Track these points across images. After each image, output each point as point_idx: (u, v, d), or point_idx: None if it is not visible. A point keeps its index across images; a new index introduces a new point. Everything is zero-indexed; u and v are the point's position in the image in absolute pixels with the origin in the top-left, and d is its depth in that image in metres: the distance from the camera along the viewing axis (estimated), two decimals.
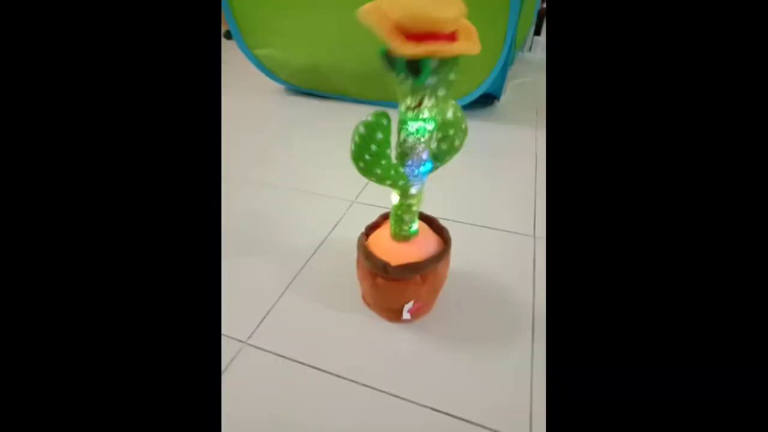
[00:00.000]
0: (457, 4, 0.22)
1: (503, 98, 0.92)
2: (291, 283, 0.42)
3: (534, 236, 0.49)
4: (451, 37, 0.23)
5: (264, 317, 0.38)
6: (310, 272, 0.43)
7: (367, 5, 0.22)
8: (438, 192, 0.55)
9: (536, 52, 1.24)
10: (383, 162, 0.27)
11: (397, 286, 0.32)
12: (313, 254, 0.46)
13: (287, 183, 0.60)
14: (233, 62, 1.07)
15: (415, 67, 0.23)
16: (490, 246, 0.47)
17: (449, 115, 0.29)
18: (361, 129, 0.26)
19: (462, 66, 0.85)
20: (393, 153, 0.29)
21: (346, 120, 0.83)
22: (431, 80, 0.24)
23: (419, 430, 0.29)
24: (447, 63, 0.24)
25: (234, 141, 0.73)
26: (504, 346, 0.35)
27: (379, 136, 0.26)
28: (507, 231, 0.50)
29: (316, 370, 0.33)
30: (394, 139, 0.29)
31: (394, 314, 0.35)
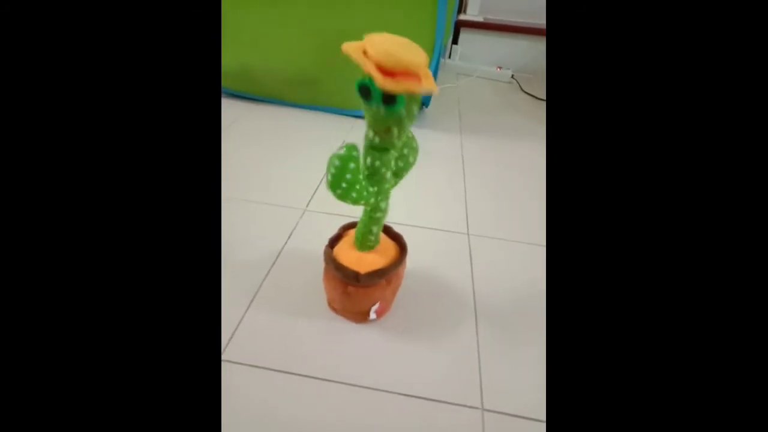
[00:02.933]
0: (419, 50, 0.27)
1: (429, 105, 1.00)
2: (255, 296, 0.43)
3: (468, 234, 0.56)
4: (418, 77, 0.27)
5: (233, 332, 0.39)
6: (272, 284, 0.45)
7: (351, 44, 0.26)
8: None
9: (455, 59, 1.35)
10: (357, 187, 0.31)
11: (366, 291, 0.36)
12: (272, 266, 0.47)
13: (232, 193, 0.60)
14: None
15: (391, 100, 0.27)
16: (431, 245, 0.54)
17: (404, 140, 0.33)
18: (336, 161, 0.30)
19: None
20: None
21: (283, 123, 0.84)
22: (402, 112, 0.28)
23: (394, 415, 0.34)
24: (414, 98, 0.28)
25: None
26: (455, 331, 0.41)
27: (352, 165, 0.30)
28: (444, 230, 0.57)
29: (292, 375, 0.36)
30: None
31: (361, 316, 0.39)
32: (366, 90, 0.27)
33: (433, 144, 0.83)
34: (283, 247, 0.50)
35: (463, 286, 0.47)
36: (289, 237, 0.52)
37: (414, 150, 0.35)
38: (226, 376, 0.35)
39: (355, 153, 0.30)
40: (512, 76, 1.27)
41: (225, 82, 0.91)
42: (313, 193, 0.61)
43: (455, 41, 1.37)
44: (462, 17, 1.34)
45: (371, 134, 0.30)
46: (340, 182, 0.30)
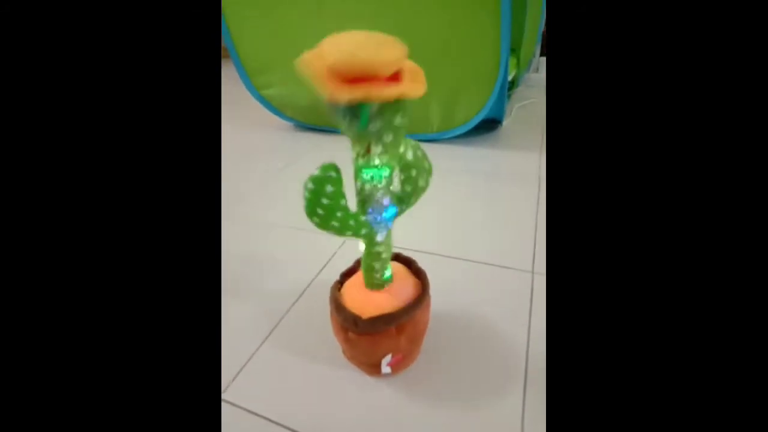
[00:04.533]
0: (398, 46, 0.21)
1: (507, 121, 0.90)
2: (272, 331, 0.40)
3: (532, 272, 0.46)
4: (395, 79, 0.22)
5: (240, 369, 0.36)
6: (293, 319, 0.42)
7: (310, 52, 0.22)
8: (431, 224, 0.53)
9: (542, 72, 1.22)
10: (338, 214, 0.26)
11: (371, 339, 0.30)
12: (298, 299, 0.44)
13: (284, 220, 0.60)
14: (239, 100, 1.11)
15: (352, 113, 0.22)
16: (482, 283, 0.44)
17: (410, 156, 0.27)
18: (310, 184, 0.25)
19: (459, 92, 0.84)
20: (353, 201, 0.28)
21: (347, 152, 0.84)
22: (374, 125, 0.22)
23: None
24: (389, 107, 0.22)
25: (233, 176, 0.74)
26: (494, 397, 0.32)
27: (329, 189, 0.25)
28: (502, 266, 0.47)
29: (291, 431, 0.31)
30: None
31: (373, 368, 0.33)
32: (330, 104, 0.23)
33: (504, 166, 0.73)
34: (314, 278, 0.47)
35: (515, 338, 0.37)
36: (323, 267, 0.49)
37: (425, 171, 0.28)
38: (224, 418, 0.32)
39: (332, 173, 0.25)
40: None
41: (302, 117, 0.97)
42: None
43: (543, 53, 1.24)
44: None
45: (354, 154, 0.26)
46: (316, 208, 0.25)
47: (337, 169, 0.25)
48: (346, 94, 0.20)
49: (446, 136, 0.83)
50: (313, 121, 0.96)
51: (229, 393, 0.34)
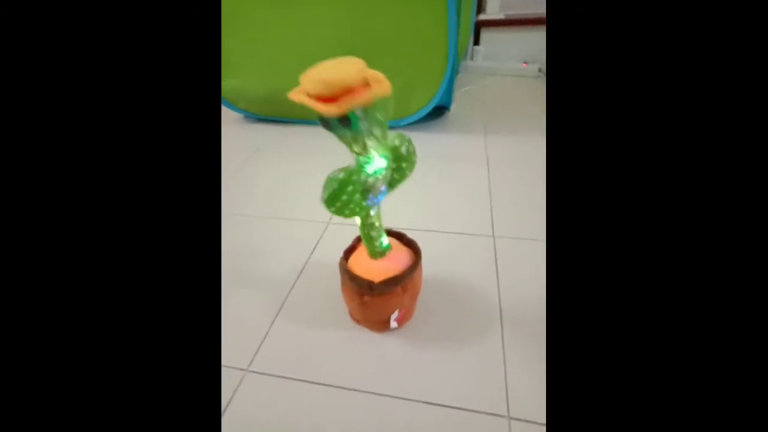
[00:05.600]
0: (355, 62, 0.27)
1: (452, 107, 0.99)
2: (280, 309, 0.45)
3: (493, 236, 0.55)
4: (365, 86, 0.27)
5: (260, 344, 0.41)
6: (296, 297, 0.46)
7: (294, 90, 0.27)
8: (405, 203, 0.60)
9: (477, 60, 1.33)
10: (351, 205, 0.33)
11: (383, 299, 0.37)
12: (296, 279, 0.49)
13: (261, 212, 0.63)
14: None
15: (345, 121, 0.27)
16: (456, 249, 0.53)
17: (403, 150, 0.33)
18: (335, 185, 0.31)
19: (412, 84, 0.90)
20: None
21: (311, 144, 0.87)
22: (363, 125, 0.28)
23: (417, 423, 0.33)
24: (369, 108, 0.28)
25: None
26: (480, 338, 0.40)
27: (350, 188, 0.31)
28: (468, 234, 0.56)
29: (318, 385, 0.36)
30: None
31: (382, 325, 0.40)
32: (324, 121, 0.28)
33: (456, 148, 0.82)
34: (307, 260, 0.52)
35: (488, 291, 0.46)
36: (313, 250, 0.54)
37: (412, 164, 0.35)
38: (253, 386, 0.37)
39: (354, 177, 0.31)
40: (539, 70, 1.23)
41: (255, 109, 0.97)
42: None
43: (476, 42, 1.35)
44: (482, 17, 1.32)
45: (354, 153, 0.31)
46: (335, 203, 0.32)
47: (358, 173, 0.31)
48: (337, 110, 0.26)
49: (402, 124, 0.89)
50: (267, 112, 0.97)
51: (255, 365, 0.38)
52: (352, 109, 0.27)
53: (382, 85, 0.27)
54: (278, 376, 0.37)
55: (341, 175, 0.31)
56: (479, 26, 1.33)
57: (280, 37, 0.83)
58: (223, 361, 0.39)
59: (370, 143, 0.30)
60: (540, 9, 1.30)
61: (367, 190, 0.33)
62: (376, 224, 0.36)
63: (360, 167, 0.32)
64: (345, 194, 0.31)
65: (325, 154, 0.86)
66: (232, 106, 0.96)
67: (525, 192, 0.65)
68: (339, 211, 0.33)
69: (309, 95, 0.26)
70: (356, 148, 0.30)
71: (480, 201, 0.63)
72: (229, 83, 0.91)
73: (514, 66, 1.26)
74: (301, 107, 0.94)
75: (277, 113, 0.96)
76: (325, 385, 0.36)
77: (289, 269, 0.50)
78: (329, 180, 0.31)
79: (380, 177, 0.32)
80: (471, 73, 1.30)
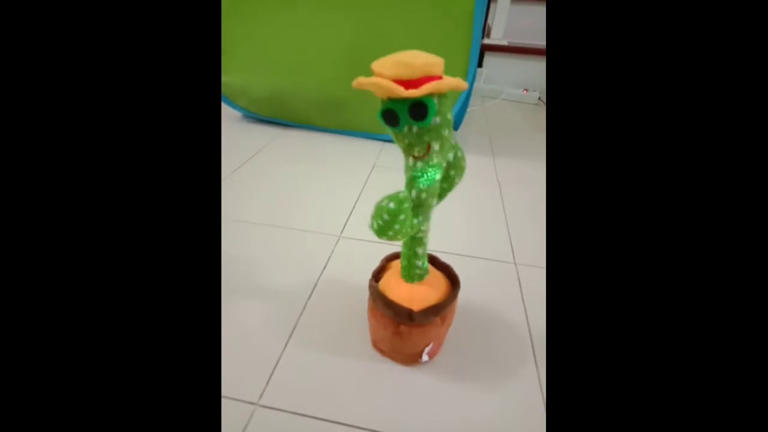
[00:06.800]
0: (433, 55, 0.25)
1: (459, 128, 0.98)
2: (292, 332, 0.40)
3: (515, 263, 0.52)
4: (439, 78, 0.25)
5: (271, 373, 0.36)
6: (309, 318, 0.42)
7: (362, 78, 0.24)
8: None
9: (479, 81, 1.35)
10: (404, 230, 0.29)
11: (422, 330, 0.33)
12: (309, 298, 0.44)
13: (263, 219, 0.58)
14: None
15: (419, 111, 0.24)
16: (476, 275, 0.50)
17: (450, 157, 0.30)
18: (386, 217, 0.27)
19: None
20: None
21: (313, 148, 0.83)
22: (435, 120, 0.25)
23: None
24: (445, 102, 0.26)
25: None
26: (514, 368, 0.37)
27: (402, 217, 0.28)
28: (488, 259, 0.53)
29: (339, 425, 0.32)
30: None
31: (412, 358, 0.36)
32: (391, 114, 0.25)
33: (467, 167, 0.80)
34: (319, 277, 0.47)
35: (515, 319, 0.43)
36: (325, 266, 0.49)
37: (461, 170, 0.32)
38: (265, 423, 0.32)
39: (406, 205, 0.28)
40: (539, 99, 1.25)
41: (255, 108, 0.92)
42: (347, 219, 0.59)
43: (480, 64, 1.37)
44: (486, 41, 1.34)
45: (411, 162, 0.28)
46: (387, 232, 0.28)
47: (410, 200, 0.28)
48: (419, 92, 0.24)
49: None
50: (268, 113, 0.92)
51: (265, 398, 0.33)
52: (433, 94, 0.24)
53: (462, 83, 0.25)
54: (293, 413, 0.33)
55: (392, 206, 0.27)
56: (483, 49, 1.35)
57: (288, 36, 0.79)
58: (230, 393, 0.33)
59: (435, 146, 0.27)
60: (541, 41, 1.33)
61: (419, 206, 0.29)
62: (425, 240, 0.33)
63: (412, 180, 0.29)
64: (397, 223, 0.28)
65: (327, 161, 0.82)
66: (232, 103, 0.91)
67: (542, 219, 0.63)
68: (393, 238, 0.29)
69: (388, 79, 0.24)
70: (418, 151, 0.27)
71: (496, 224, 0.61)
72: (230, 78, 0.86)
73: (515, 92, 1.28)
74: (305, 110, 0.90)
75: (278, 115, 0.91)
76: (347, 425, 0.32)
77: (300, 286, 0.46)
78: (379, 210, 0.28)
79: (433, 190, 0.29)
80: (473, 95, 1.30)
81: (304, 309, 0.43)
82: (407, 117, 0.25)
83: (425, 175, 0.28)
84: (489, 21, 1.35)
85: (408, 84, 0.24)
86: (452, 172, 0.31)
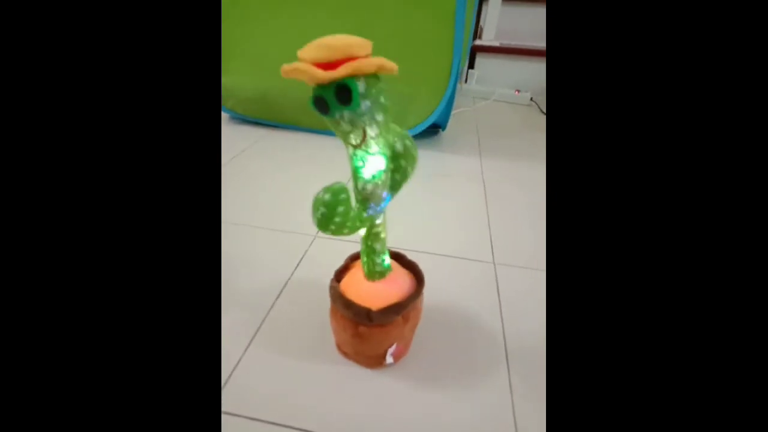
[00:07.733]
0: (354, 36, 0.24)
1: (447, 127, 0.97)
2: (256, 334, 0.38)
3: (494, 263, 0.51)
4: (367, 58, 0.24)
5: (230, 374, 0.34)
6: (275, 321, 0.40)
7: (286, 65, 0.23)
8: (398, 222, 0.55)
9: (471, 83, 1.34)
10: (348, 224, 0.28)
11: (383, 330, 0.31)
12: (276, 299, 0.43)
13: (241, 219, 0.57)
14: None
15: (344, 94, 0.23)
16: (453, 274, 0.48)
17: (399, 146, 0.29)
18: (322, 209, 0.26)
19: (412, 98, 0.87)
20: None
21: (297, 149, 0.82)
22: (365, 104, 0.24)
23: None
24: (374, 85, 0.24)
25: None
26: (484, 374, 0.36)
27: (341, 209, 0.27)
28: (467, 258, 0.52)
29: (300, 431, 0.30)
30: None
31: (376, 360, 0.34)
32: (320, 101, 0.24)
33: (451, 167, 0.79)
34: (290, 277, 0.46)
35: (490, 321, 0.41)
36: (297, 265, 0.48)
37: (413, 159, 0.30)
38: (223, 429, 0.30)
39: (342, 196, 0.27)
40: (531, 99, 1.24)
41: (242, 109, 0.91)
42: None
43: (471, 66, 1.36)
44: (478, 42, 1.34)
45: (350, 151, 0.27)
46: (329, 225, 0.27)
47: (346, 191, 0.27)
48: (337, 73, 0.22)
49: None
50: (255, 114, 0.91)
51: (223, 402, 0.32)
52: (354, 75, 0.23)
53: (388, 63, 0.23)
54: (251, 418, 0.31)
55: (327, 197, 0.26)
56: (474, 51, 1.34)
57: (276, 36, 0.78)
58: None
59: (371, 132, 0.25)
60: (533, 42, 1.33)
61: (366, 199, 0.28)
62: (382, 235, 0.31)
63: (355, 172, 0.27)
64: (337, 216, 0.27)
65: (312, 162, 0.81)
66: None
67: (526, 219, 0.62)
68: (337, 232, 0.28)
69: (308, 61, 0.23)
70: (354, 139, 0.26)
71: (478, 224, 0.59)
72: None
73: (507, 92, 1.27)
74: (292, 111, 0.90)
75: (266, 116, 0.91)
76: (307, 431, 0.30)
77: (269, 286, 0.44)
78: (316, 202, 0.27)
79: (379, 181, 0.28)
80: (464, 95, 1.29)
81: (270, 308, 0.41)
82: (336, 102, 0.24)
83: (366, 164, 0.27)
84: (481, 22, 1.35)
85: (328, 66, 0.23)
86: (403, 162, 0.30)
